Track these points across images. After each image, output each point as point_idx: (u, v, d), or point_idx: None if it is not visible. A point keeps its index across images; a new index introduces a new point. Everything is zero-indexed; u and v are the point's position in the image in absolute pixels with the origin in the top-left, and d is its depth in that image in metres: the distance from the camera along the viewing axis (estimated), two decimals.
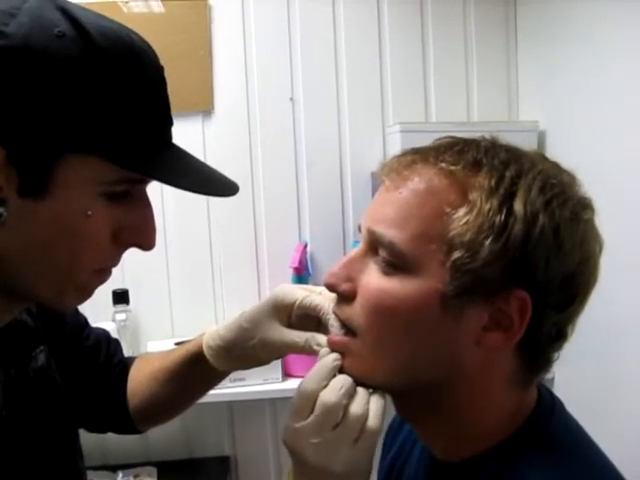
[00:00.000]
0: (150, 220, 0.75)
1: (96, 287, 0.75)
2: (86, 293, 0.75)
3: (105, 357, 1.05)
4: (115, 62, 0.66)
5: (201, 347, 0.94)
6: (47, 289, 0.71)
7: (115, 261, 0.75)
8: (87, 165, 0.66)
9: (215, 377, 1.00)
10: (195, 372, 0.98)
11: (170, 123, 0.75)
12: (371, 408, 0.71)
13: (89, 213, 0.67)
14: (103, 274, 0.75)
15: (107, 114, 0.65)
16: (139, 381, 1.04)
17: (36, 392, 0.83)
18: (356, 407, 0.70)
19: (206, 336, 0.94)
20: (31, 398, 0.82)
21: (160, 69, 0.74)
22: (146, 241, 0.75)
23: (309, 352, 0.81)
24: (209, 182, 0.75)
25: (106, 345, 1.06)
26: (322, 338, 0.78)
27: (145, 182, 0.73)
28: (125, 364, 1.07)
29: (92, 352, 1.04)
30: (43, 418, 0.83)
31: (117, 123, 0.66)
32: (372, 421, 0.71)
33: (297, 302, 0.85)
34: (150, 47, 0.73)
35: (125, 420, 1.05)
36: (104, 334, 1.08)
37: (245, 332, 0.88)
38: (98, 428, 1.07)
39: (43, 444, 0.82)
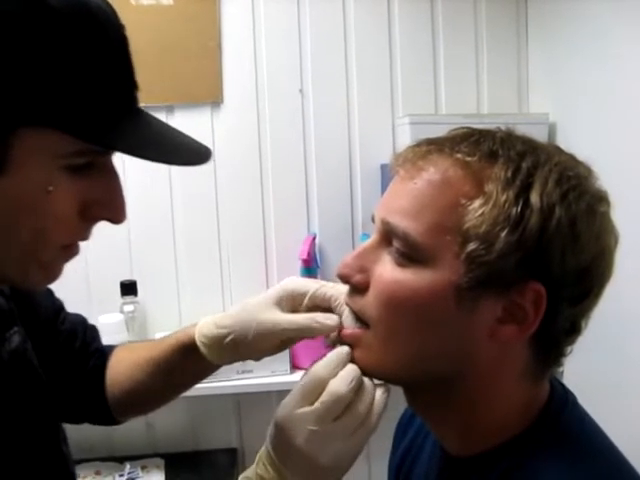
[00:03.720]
0: (117, 192, 0.69)
1: (63, 265, 0.71)
2: (52, 272, 0.70)
3: (81, 344, 1.01)
4: (68, 22, 0.60)
5: (192, 337, 0.91)
6: (11, 268, 0.67)
7: (83, 236, 0.70)
8: (43, 138, 0.61)
9: (205, 369, 0.96)
10: (184, 363, 0.94)
11: (134, 87, 0.69)
12: (374, 405, 0.72)
13: (50, 188, 0.63)
14: (70, 250, 0.70)
15: (60, 81, 0.60)
16: (121, 371, 1.00)
17: (11, 375, 0.79)
18: (362, 405, 0.71)
19: (200, 325, 0.91)
20: (6, 381, 0.78)
21: (120, 28, 0.67)
22: (114, 215, 0.70)
23: (308, 333, 0.80)
24: (176, 150, 0.69)
25: (82, 331, 1.02)
26: (321, 316, 0.78)
27: (109, 152, 0.68)
28: (103, 352, 1.03)
29: (68, 338, 1.00)
30: (20, 401, 0.79)
31: (72, 91, 0.60)
32: (372, 420, 0.72)
33: (310, 292, 0.84)
34: (109, 5, 0.66)
35: (103, 410, 1.00)
36: (80, 320, 1.04)
37: (243, 318, 0.86)
38: (74, 418, 1.01)
39: (22, 428, 0.78)
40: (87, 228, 0.70)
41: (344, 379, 0.71)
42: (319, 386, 0.71)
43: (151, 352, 0.97)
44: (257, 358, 0.89)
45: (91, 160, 0.65)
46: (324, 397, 0.70)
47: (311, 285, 0.85)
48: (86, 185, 0.66)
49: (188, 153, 0.70)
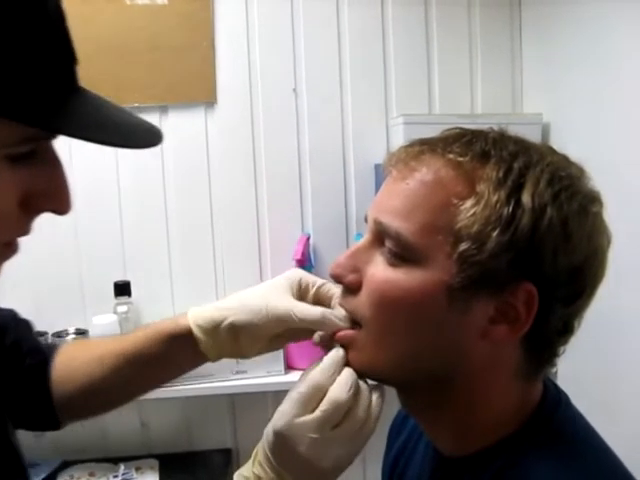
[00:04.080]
0: (61, 181, 0.63)
1: (1, 264, 0.65)
2: None
3: (13, 341, 0.92)
4: None
5: (183, 325, 0.85)
6: None
7: (24, 231, 0.64)
8: None
9: (192, 362, 0.88)
10: (169, 354, 0.86)
11: (74, 62, 0.61)
12: (371, 409, 0.73)
13: None
14: (10, 248, 0.64)
15: None
16: (74, 368, 0.91)
17: None
18: (361, 410, 0.71)
19: (196, 310, 0.85)
20: None
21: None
22: (59, 205, 0.63)
23: (318, 326, 0.77)
24: (127, 132, 0.62)
25: (14, 326, 0.93)
26: (332, 313, 0.76)
27: (53, 138, 0.61)
28: (41, 350, 0.94)
29: None
30: None
31: (8, 71, 0.53)
32: (370, 424, 0.72)
33: (317, 284, 0.84)
34: None
35: (46, 412, 0.91)
36: (10, 314, 0.95)
37: (250, 301, 0.82)
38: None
39: None
40: (28, 222, 0.64)
41: (343, 386, 0.71)
42: (318, 393, 0.71)
43: (119, 345, 0.90)
44: (251, 352, 0.84)
45: (34, 147, 0.59)
46: (324, 405, 0.70)
47: (317, 278, 0.85)
48: (28, 175, 0.60)
49: (140, 134, 0.64)
